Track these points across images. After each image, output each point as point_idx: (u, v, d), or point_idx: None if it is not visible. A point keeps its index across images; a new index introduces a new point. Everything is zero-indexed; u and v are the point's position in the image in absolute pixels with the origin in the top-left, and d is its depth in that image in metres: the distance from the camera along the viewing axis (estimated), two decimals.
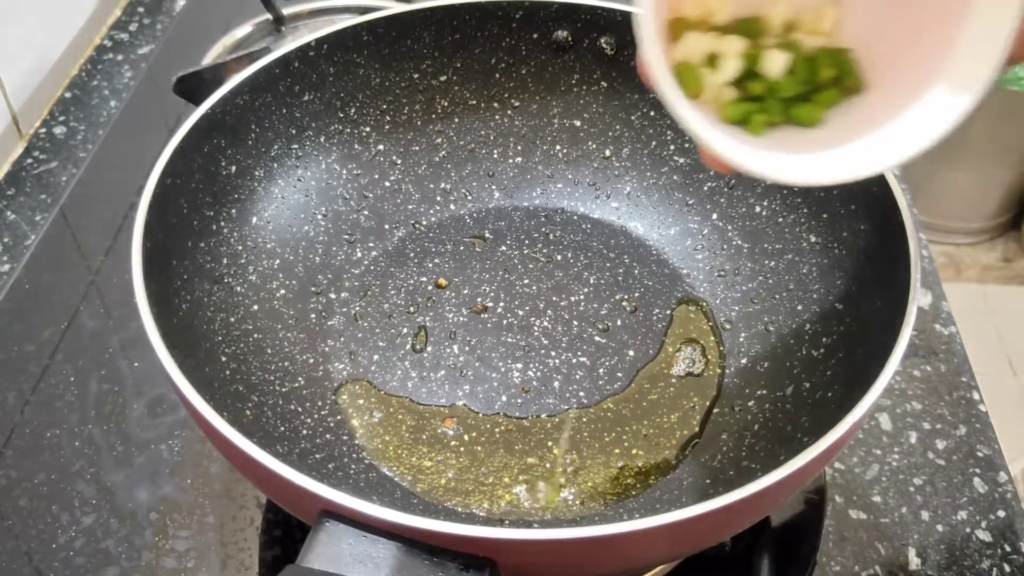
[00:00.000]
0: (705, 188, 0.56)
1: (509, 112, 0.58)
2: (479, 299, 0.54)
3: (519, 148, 0.59)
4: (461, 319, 0.53)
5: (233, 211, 0.51)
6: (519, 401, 0.49)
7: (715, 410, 0.49)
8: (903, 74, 0.36)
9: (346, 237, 0.55)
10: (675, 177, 0.57)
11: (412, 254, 0.56)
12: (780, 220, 0.52)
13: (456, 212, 0.58)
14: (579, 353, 0.51)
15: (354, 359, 0.51)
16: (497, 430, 0.48)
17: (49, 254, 0.62)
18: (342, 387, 0.49)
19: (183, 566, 0.47)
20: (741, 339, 0.51)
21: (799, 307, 0.50)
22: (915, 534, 0.49)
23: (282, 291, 0.51)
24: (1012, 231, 1.76)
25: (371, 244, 0.56)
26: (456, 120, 0.58)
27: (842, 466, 0.52)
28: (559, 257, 0.56)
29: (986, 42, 0.33)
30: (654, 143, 0.57)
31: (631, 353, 0.51)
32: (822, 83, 0.37)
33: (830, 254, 0.49)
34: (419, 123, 0.58)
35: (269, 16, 0.71)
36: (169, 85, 0.61)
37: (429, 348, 0.51)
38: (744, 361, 0.50)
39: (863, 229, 0.47)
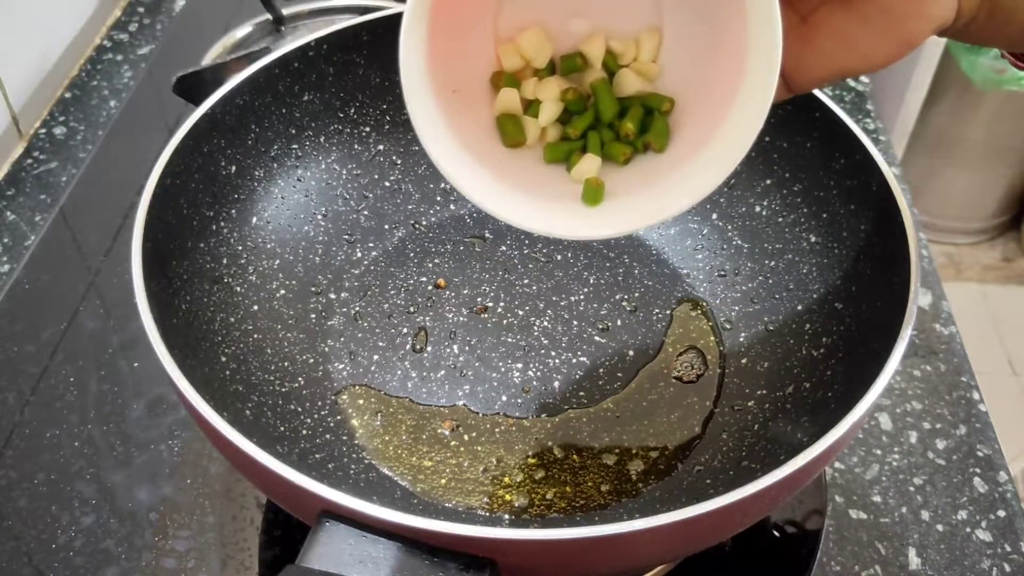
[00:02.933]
0: None
1: None
2: (479, 299, 0.54)
3: None
4: (461, 319, 0.53)
5: (233, 211, 0.51)
6: (519, 401, 0.49)
7: (715, 410, 0.49)
8: (685, 140, 0.37)
9: (346, 237, 0.55)
10: None
11: (412, 254, 0.56)
12: (780, 220, 0.52)
13: (456, 212, 0.58)
14: (579, 353, 0.51)
15: (354, 359, 0.51)
16: (497, 430, 0.48)
17: (49, 254, 0.62)
18: (342, 387, 0.49)
19: (183, 566, 0.47)
20: (741, 339, 0.51)
21: (799, 307, 0.50)
22: (915, 534, 0.49)
23: (282, 291, 0.51)
24: (1012, 231, 1.76)
25: (371, 244, 0.56)
26: None
27: (842, 466, 0.52)
28: (559, 257, 0.56)
29: (742, 128, 0.33)
30: None
31: (631, 353, 0.51)
32: (625, 132, 0.38)
33: (830, 254, 0.49)
34: None
35: (269, 16, 0.71)
36: (169, 85, 0.61)
37: (429, 348, 0.51)
38: (744, 361, 0.50)
39: (863, 229, 0.47)
